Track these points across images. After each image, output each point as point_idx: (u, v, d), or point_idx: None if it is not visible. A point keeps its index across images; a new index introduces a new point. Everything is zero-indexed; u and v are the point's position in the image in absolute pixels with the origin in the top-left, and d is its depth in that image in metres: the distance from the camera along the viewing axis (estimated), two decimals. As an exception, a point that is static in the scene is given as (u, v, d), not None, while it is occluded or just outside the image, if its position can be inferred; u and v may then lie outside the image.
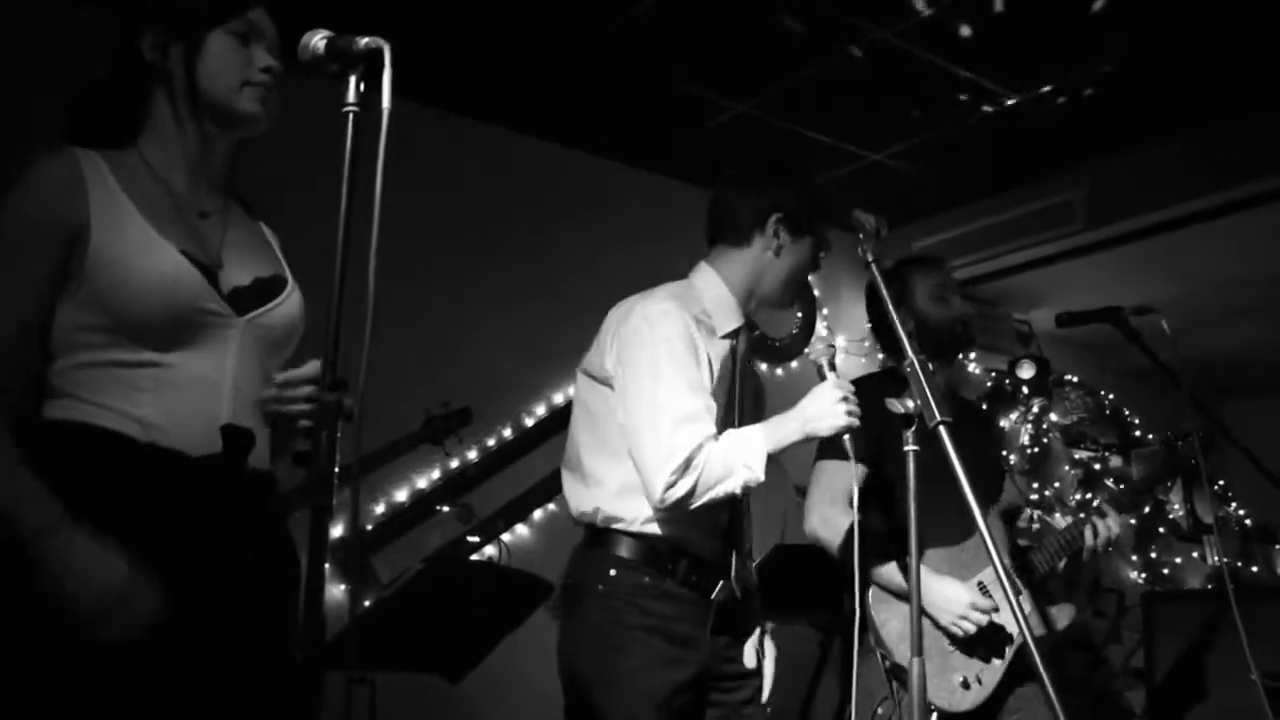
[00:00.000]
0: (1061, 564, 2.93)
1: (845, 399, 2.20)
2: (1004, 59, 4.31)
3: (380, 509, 4.32)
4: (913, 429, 1.95)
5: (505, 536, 4.55)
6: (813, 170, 5.15)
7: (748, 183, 2.56)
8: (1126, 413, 6.75)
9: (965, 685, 2.63)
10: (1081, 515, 2.92)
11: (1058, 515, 5.75)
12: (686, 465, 2.20)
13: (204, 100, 1.75)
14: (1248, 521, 6.19)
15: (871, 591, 2.68)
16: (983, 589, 2.75)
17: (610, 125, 4.92)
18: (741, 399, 2.49)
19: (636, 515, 2.32)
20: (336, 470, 1.38)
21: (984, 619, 2.63)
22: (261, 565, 1.68)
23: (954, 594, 2.66)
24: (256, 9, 1.79)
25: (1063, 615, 2.84)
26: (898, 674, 2.62)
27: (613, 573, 2.31)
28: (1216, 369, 7.07)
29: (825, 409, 2.20)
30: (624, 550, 2.31)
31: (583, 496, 2.40)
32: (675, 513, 2.25)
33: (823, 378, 2.28)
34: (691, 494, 2.21)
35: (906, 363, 1.98)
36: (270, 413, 1.71)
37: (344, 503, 1.42)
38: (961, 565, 2.76)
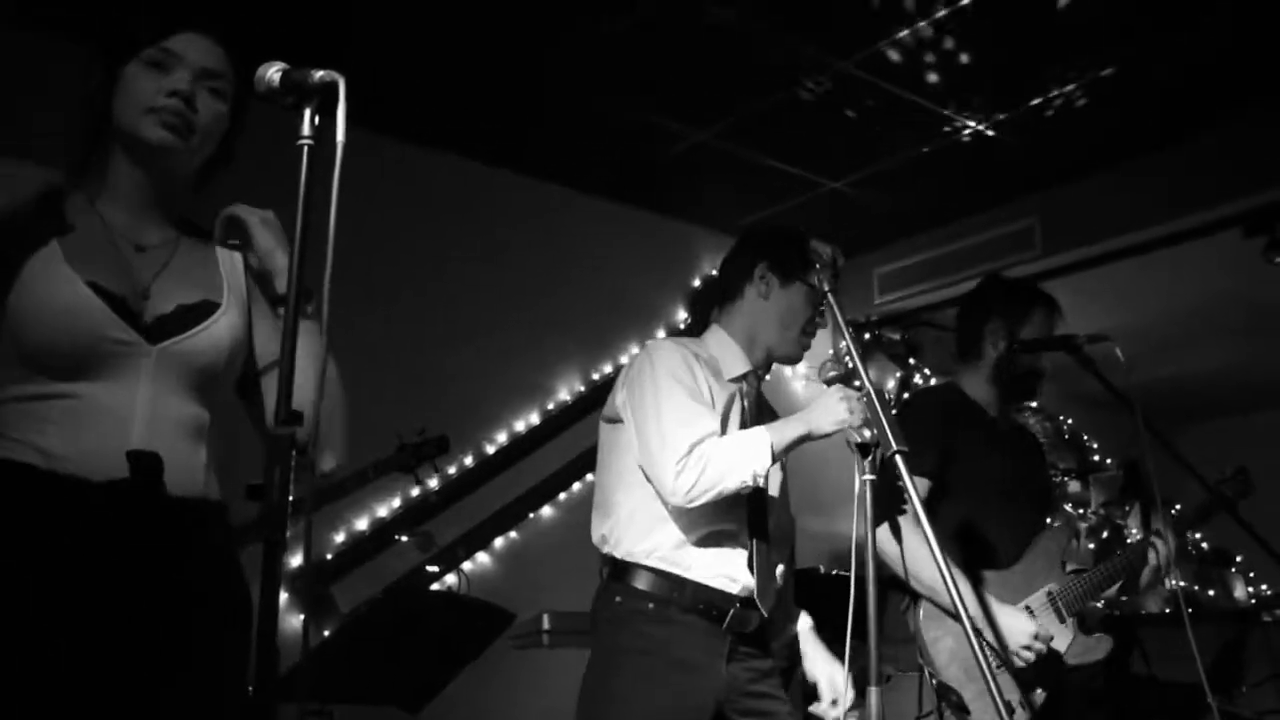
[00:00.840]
0: (1115, 588, 2.96)
1: (845, 400, 2.26)
2: (964, 86, 4.38)
3: (340, 538, 4.30)
4: (869, 458, 1.97)
5: (466, 565, 4.53)
6: (771, 198, 5.24)
7: (740, 243, 2.78)
8: (1085, 437, 6.83)
9: (1010, 710, 2.65)
10: (1135, 537, 2.94)
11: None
12: (690, 454, 2.32)
13: (117, 131, 1.77)
14: (1204, 545, 6.27)
15: (924, 607, 2.73)
16: (1029, 614, 2.78)
17: (567, 152, 4.94)
18: None
19: (643, 535, 2.43)
20: (290, 503, 1.37)
21: (1044, 649, 2.69)
22: (185, 590, 1.66)
23: (1018, 624, 2.70)
24: (182, 35, 1.79)
25: (1102, 646, 2.86)
26: (944, 694, 2.64)
27: (618, 600, 2.44)
28: (1173, 395, 7.17)
29: (827, 408, 2.29)
30: (634, 580, 2.43)
31: (599, 524, 2.54)
32: (688, 505, 2.34)
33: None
34: (699, 481, 2.31)
35: (861, 392, 2.01)
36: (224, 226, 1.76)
37: (299, 534, 1.42)
38: (1010, 589, 2.80)
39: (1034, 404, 6.43)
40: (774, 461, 2.35)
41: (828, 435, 2.30)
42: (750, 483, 2.33)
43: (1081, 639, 2.82)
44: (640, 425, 2.45)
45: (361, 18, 3.91)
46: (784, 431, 2.36)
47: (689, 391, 2.45)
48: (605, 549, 2.51)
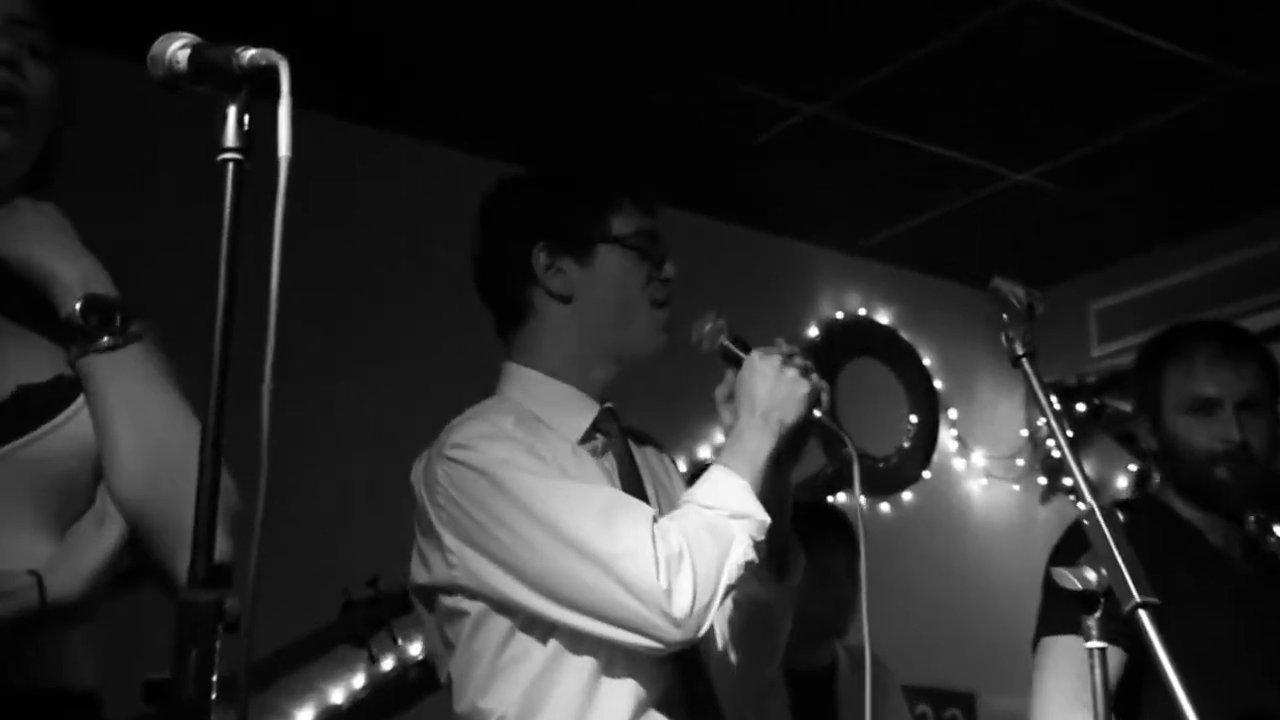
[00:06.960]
0: None
1: (785, 361, 2.29)
2: (1221, 21, 4.37)
3: (276, 736, 4.33)
4: (1096, 615, 1.95)
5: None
6: (919, 200, 5.21)
7: (488, 226, 2.66)
8: None
9: None
10: None
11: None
12: (666, 560, 2.19)
13: None
14: None
15: None
16: None
17: (610, 142, 4.96)
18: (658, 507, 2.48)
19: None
20: (214, 698, 1.38)
21: None
22: None
23: None
24: None
25: None
26: None
27: None
28: None
29: (777, 388, 2.27)
30: None
31: None
32: (697, 632, 2.22)
33: (735, 360, 2.38)
34: (699, 585, 2.18)
35: (1085, 512, 1.98)
36: None
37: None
38: None
39: None
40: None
41: (802, 431, 2.29)
42: (754, 556, 2.24)
43: None
44: (523, 566, 2.28)
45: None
46: (747, 453, 2.28)
47: (560, 472, 2.36)
48: None
